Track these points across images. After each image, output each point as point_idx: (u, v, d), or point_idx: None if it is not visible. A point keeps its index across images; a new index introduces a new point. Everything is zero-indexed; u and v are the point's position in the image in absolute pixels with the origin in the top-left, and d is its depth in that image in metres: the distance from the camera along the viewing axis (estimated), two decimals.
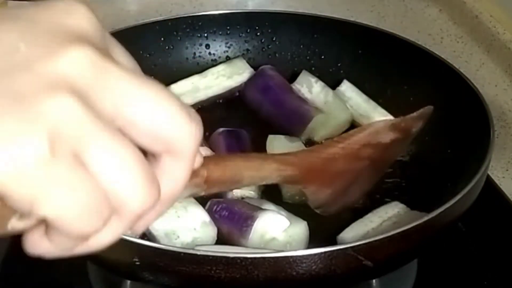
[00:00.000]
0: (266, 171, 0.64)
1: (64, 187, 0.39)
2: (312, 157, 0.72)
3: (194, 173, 0.51)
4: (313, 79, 0.93)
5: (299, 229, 0.73)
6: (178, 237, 0.72)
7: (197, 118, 0.44)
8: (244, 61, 0.97)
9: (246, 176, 0.60)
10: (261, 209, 0.74)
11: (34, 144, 0.38)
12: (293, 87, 0.93)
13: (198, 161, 0.50)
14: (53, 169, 0.39)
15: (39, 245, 0.43)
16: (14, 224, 0.42)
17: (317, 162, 0.71)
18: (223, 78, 0.95)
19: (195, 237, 0.72)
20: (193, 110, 0.44)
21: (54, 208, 0.39)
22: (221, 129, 0.87)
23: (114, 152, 0.40)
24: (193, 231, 0.73)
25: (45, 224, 0.41)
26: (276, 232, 0.72)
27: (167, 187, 0.45)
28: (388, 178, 0.82)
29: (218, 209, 0.75)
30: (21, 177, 0.38)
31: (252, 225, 0.72)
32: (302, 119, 0.88)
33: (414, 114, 0.82)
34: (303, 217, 0.74)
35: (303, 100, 0.90)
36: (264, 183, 0.67)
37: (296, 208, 0.77)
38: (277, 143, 0.86)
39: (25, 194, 0.38)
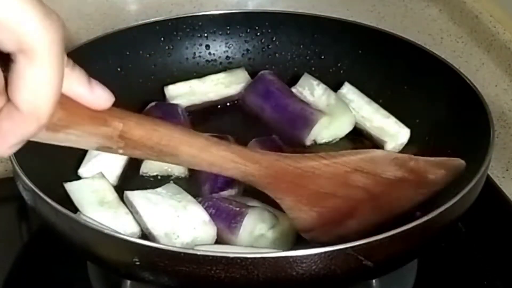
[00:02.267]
0: (214, 156, 0.60)
1: None
2: (284, 162, 0.66)
3: (104, 121, 0.50)
4: (315, 82, 0.93)
5: (287, 225, 0.73)
6: (178, 236, 0.72)
7: (57, 18, 0.41)
8: (245, 72, 0.96)
9: (183, 152, 0.57)
10: (248, 206, 0.74)
11: None
12: (295, 90, 0.93)
13: (79, 80, 0.47)
14: None
15: None
16: None
17: (289, 170, 0.65)
18: (221, 86, 0.94)
19: (195, 237, 0.72)
20: (55, 12, 0.41)
21: None
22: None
23: None
24: (192, 230, 0.73)
25: None
26: (264, 229, 0.73)
27: (26, 96, 0.41)
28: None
29: (205, 206, 0.75)
30: None
31: (241, 221, 0.72)
32: (307, 122, 0.88)
33: (432, 159, 0.72)
34: None
35: (306, 104, 0.90)
36: (216, 171, 0.62)
37: None
38: None
39: None
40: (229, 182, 0.78)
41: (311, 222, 0.69)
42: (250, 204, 0.75)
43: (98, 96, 0.48)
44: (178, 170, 0.83)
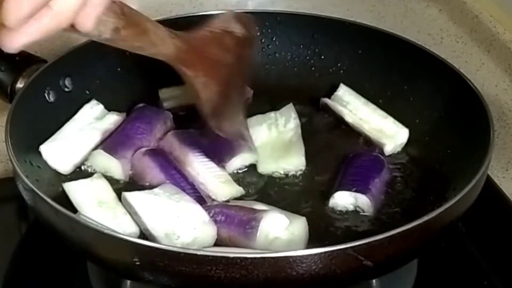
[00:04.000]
0: (162, 31, 0.68)
1: None
2: (191, 36, 0.74)
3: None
4: (293, 115, 0.91)
5: (299, 225, 0.73)
6: (179, 237, 0.72)
7: None
8: None
9: (150, 30, 0.66)
10: (258, 210, 0.74)
11: None
12: (272, 114, 0.90)
13: None
14: None
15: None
16: None
17: (195, 41, 0.74)
18: None
19: (196, 237, 0.72)
20: None
21: None
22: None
23: None
24: (193, 230, 0.72)
25: None
26: (278, 231, 0.72)
27: None
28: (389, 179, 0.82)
29: (212, 214, 0.74)
30: None
31: (257, 226, 0.71)
32: (231, 151, 0.85)
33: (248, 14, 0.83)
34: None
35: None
36: (161, 52, 0.70)
37: (290, 207, 0.77)
38: None
39: None
40: None
41: (215, 98, 0.76)
42: (255, 207, 0.75)
43: None
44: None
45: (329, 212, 0.79)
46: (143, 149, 0.83)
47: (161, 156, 0.83)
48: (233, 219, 0.74)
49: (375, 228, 0.77)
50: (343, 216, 0.79)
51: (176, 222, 0.73)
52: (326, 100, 0.93)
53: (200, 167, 0.82)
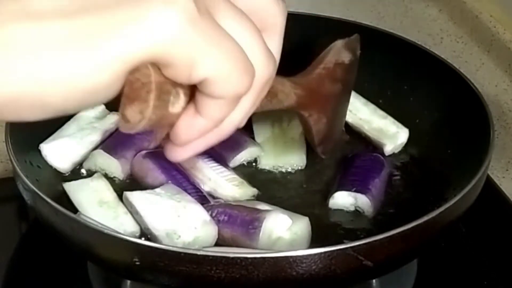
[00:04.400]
0: (287, 86, 0.67)
1: (217, 42, 0.43)
2: (308, 78, 0.73)
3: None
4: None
5: (302, 225, 0.73)
6: (180, 236, 0.72)
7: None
8: None
9: (278, 90, 0.64)
10: (261, 210, 0.74)
11: (182, 3, 0.41)
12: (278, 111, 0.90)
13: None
14: (203, 26, 0.42)
15: (193, 125, 0.47)
16: (172, 108, 0.46)
17: (312, 82, 0.73)
18: None
19: (197, 236, 0.72)
20: None
21: (213, 64, 0.43)
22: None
23: (241, 18, 0.46)
24: (194, 230, 0.72)
25: (195, 100, 0.46)
26: (281, 231, 0.72)
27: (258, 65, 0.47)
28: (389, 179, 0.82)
29: (215, 214, 0.74)
30: (179, 38, 0.41)
31: (260, 226, 0.71)
32: (236, 146, 0.85)
33: (352, 38, 0.82)
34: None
35: (245, 132, 0.88)
36: (284, 104, 0.68)
37: (291, 207, 0.77)
38: None
39: (185, 54, 0.42)
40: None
41: (324, 130, 0.74)
42: (258, 207, 0.75)
43: None
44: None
45: (329, 212, 0.79)
46: (143, 152, 0.83)
47: (161, 157, 0.83)
48: (236, 219, 0.73)
49: (375, 228, 0.77)
50: (343, 216, 0.79)
51: (177, 222, 0.73)
52: None
53: (211, 173, 0.81)
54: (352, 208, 0.79)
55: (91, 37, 0.40)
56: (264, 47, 0.47)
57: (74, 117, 0.87)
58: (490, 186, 0.87)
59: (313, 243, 0.73)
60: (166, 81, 0.44)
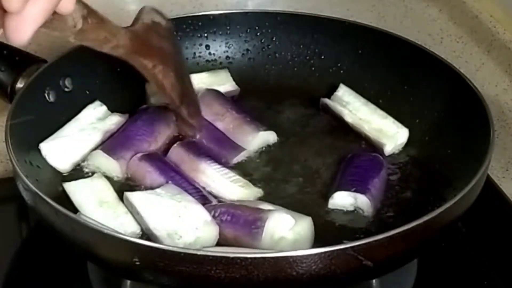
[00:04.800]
0: (110, 26, 0.72)
1: None
2: (132, 30, 0.78)
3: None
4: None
5: (305, 224, 0.73)
6: (181, 237, 0.72)
7: None
8: (228, 74, 0.96)
9: (111, 29, 0.71)
10: (263, 210, 0.74)
11: None
12: None
13: None
14: None
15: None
16: None
17: (140, 29, 0.79)
18: (203, 85, 0.93)
19: (198, 237, 0.72)
20: None
21: None
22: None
23: None
24: (195, 230, 0.72)
25: None
26: (283, 231, 0.72)
27: None
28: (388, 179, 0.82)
29: (217, 214, 0.74)
30: None
31: (262, 226, 0.71)
32: (236, 146, 0.86)
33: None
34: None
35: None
36: (116, 47, 0.75)
37: (292, 207, 0.77)
38: None
39: None
40: None
41: (179, 90, 0.82)
42: (261, 207, 0.75)
43: None
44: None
45: (329, 212, 0.79)
46: (139, 155, 0.82)
47: (157, 159, 0.83)
48: (238, 219, 0.73)
49: (375, 228, 0.77)
50: (342, 216, 0.79)
51: (178, 222, 0.73)
52: (326, 100, 0.93)
53: (214, 174, 0.81)
54: (352, 208, 0.79)
55: None
56: None
57: (75, 117, 0.87)
58: (490, 186, 0.87)
59: (314, 243, 0.73)
60: None
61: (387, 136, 0.87)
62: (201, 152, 0.84)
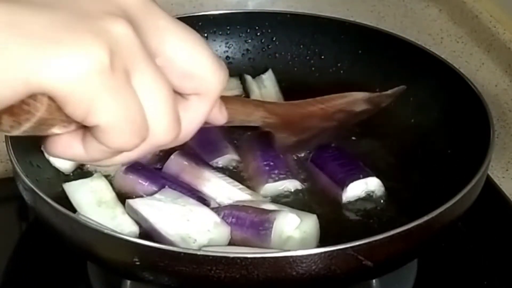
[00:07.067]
0: (255, 117, 0.69)
1: (119, 99, 0.44)
2: (295, 111, 0.76)
3: None
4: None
5: (311, 223, 0.73)
6: (196, 240, 0.71)
7: (225, 67, 0.52)
8: (238, 82, 0.96)
9: (237, 120, 0.67)
10: (269, 210, 0.74)
11: (98, 55, 0.43)
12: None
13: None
14: (112, 81, 0.43)
15: (71, 148, 0.48)
16: (55, 131, 0.47)
17: (297, 116, 0.76)
18: None
19: (211, 238, 0.72)
20: (222, 61, 0.52)
21: (108, 117, 0.44)
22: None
23: (157, 83, 0.46)
24: (207, 232, 0.72)
25: (84, 132, 0.47)
26: (290, 230, 0.72)
27: (188, 124, 0.51)
28: (388, 179, 0.82)
29: (221, 216, 0.74)
30: (84, 84, 0.43)
31: (271, 227, 0.71)
32: (216, 151, 0.85)
33: (389, 91, 0.84)
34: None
35: (231, 142, 0.87)
36: (246, 124, 0.72)
37: (297, 205, 0.77)
38: None
39: (85, 101, 0.43)
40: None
41: (289, 145, 0.79)
42: (264, 207, 0.75)
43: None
44: None
45: (330, 210, 0.79)
46: (122, 168, 0.80)
47: (143, 169, 0.81)
48: (244, 220, 0.73)
49: (374, 228, 0.77)
50: (342, 216, 0.79)
51: (189, 226, 0.72)
52: (247, 76, 0.94)
53: (220, 182, 0.80)
54: (364, 195, 0.79)
55: (6, 50, 0.42)
56: (169, 117, 0.48)
57: None
58: (490, 186, 0.87)
59: (329, 240, 0.72)
60: (55, 118, 0.45)
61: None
62: (201, 160, 0.82)
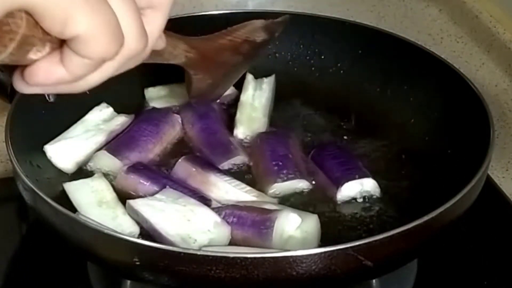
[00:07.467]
0: (179, 50, 0.71)
1: (94, 6, 0.46)
2: (208, 44, 0.78)
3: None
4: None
5: (312, 222, 0.73)
6: (196, 240, 0.71)
7: None
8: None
9: (167, 51, 0.68)
10: (270, 210, 0.74)
11: None
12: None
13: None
14: None
15: (52, 73, 0.49)
16: (33, 56, 0.48)
17: (210, 49, 0.78)
18: None
19: (211, 238, 0.72)
20: None
21: (86, 24, 0.46)
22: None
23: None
24: (207, 233, 0.72)
25: (62, 51, 0.48)
26: (291, 230, 0.72)
27: (149, 36, 0.53)
28: (388, 179, 0.82)
29: (222, 216, 0.74)
30: None
31: (272, 227, 0.71)
32: (226, 152, 0.85)
33: (279, 19, 0.86)
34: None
35: (234, 139, 0.87)
36: (171, 62, 0.73)
37: (296, 205, 0.77)
38: None
39: (62, 12, 0.45)
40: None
41: (205, 88, 0.81)
42: (265, 207, 0.75)
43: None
44: None
45: (337, 207, 0.79)
46: (124, 168, 0.81)
47: (145, 169, 0.81)
48: (245, 220, 0.73)
49: (374, 228, 0.77)
50: (341, 216, 0.79)
51: (189, 226, 0.72)
52: (250, 76, 0.94)
53: (226, 186, 0.79)
54: (359, 195, 0.79)
55: None
56: (138, 24, 0.51)
57: (81, 119, 0.87)
58: (490, 186, 0.87)
59: (328, 241, 0.72)
60: (34, 35, 0.47)
61: (240, 121, 0.89)
62: (208, 165, 0.82)
